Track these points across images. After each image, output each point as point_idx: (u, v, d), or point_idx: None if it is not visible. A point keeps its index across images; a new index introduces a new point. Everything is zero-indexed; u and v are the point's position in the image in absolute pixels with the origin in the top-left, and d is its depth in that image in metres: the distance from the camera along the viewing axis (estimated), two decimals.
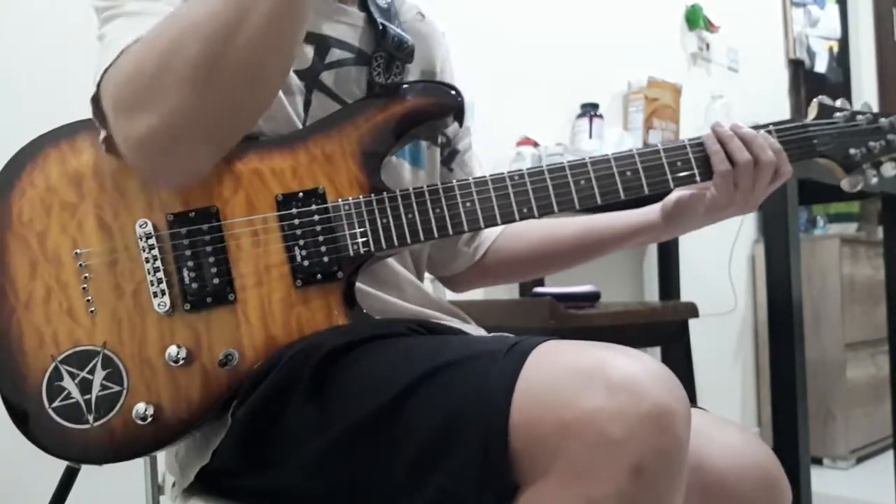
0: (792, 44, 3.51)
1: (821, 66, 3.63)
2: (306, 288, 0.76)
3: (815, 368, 2.80)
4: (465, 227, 0.80)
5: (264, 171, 0.77)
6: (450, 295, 1.26)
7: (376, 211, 0.78)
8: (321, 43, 0.85)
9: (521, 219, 0.80)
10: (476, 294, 1.91)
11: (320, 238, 0.76)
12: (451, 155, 1.01)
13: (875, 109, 0.91)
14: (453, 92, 0.83)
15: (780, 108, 3.39)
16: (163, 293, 0.74)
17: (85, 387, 0.72)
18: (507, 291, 2.20)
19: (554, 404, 0.57)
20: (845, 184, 0.91)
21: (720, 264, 2.88)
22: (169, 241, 0.75)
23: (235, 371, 0.73)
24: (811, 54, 3.60)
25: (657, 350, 2.11)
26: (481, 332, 0.92)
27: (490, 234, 1.04)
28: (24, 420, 0.73)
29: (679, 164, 0.85)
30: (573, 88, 2.44)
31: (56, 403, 0.72)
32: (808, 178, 1.62)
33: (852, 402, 2.84)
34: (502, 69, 2.25)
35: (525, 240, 1.03)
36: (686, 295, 2.56)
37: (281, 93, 0.81)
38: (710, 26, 2.98)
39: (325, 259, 0.76)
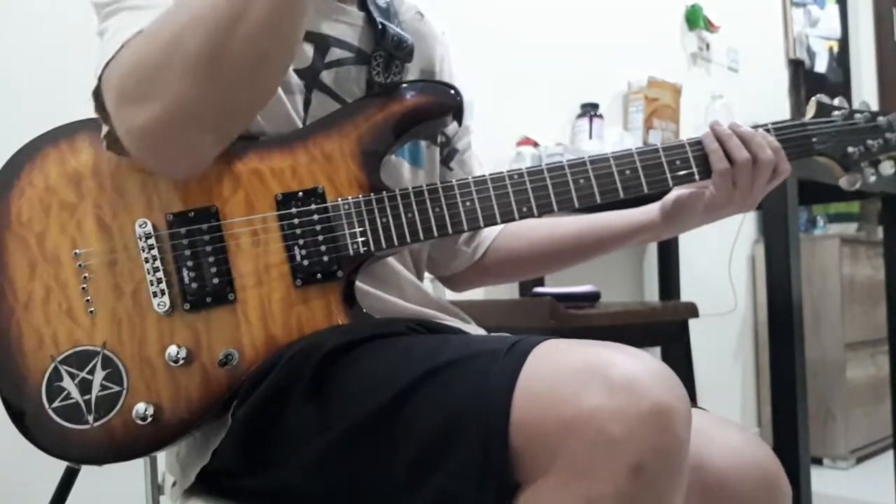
0: (792, 44, 3.51)
1: (821, 66, 3.63)
2: (306, 287, 0.76)
3: (815, 368, 2.80)
4: (465, 227, 0.80)
5: (264, 171, 0.77)
6: (450, 295, 1.26)
7: (376, 210, 0.78)
8: (321, 42, 0.85)
9: (521, 218, 0.80)
10: (476, 294, 1.91)
11: (320, 237, 0.76)
12: (450, 154, 1.01)
13: (873, 108, 0.92)
14: (452, 91, 0.83)
15: (780, 108, 3.39)
16: (162, 293, 0.73)
17: (85, 387, 0.72)
18: (507, 291, 2.20)
19: (554, 403, 0.57)
20: (843, 182, 0.91)
21: (720, 264, 2.88)
22: (168, 240, 0.75)
23: (235, 371, 0.73)
24: (811, 54, 3.60)
25: (657, 350, 2.11)
26: (481, 332, 0.92)
27: (489, 234, 1.04)
28: (23, 420, 0.72)
29: (678, 162, 0.85)
30: (573, 88, 2.44)
31: (56, 404, 0.72)
32: (808, 178, 1.62)
33: (852, 402, 2.84)
34: (502, 69, 2.25)
35: (524, 239, 1.03)
36: (686, 295, 2.56)
37: (281, 91, 0.81)
38: (710, 26, 2.98)
39: (325, 258, 0.76)
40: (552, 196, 0.81)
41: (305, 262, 0.76)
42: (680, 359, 1.90)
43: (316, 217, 0.77)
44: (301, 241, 0.76)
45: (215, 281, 0.74)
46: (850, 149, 0.90)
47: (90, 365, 0.73)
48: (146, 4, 0.72)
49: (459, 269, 1.05)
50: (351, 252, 0.77)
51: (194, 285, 0.74)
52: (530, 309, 1.65)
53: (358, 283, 0.79)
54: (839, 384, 2.82)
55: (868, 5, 4.05)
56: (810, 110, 0.91)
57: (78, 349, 0.73)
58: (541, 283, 2.08)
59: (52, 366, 0.73)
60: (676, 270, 2.58)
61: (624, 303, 2.20)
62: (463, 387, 0.61)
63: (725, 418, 0.81)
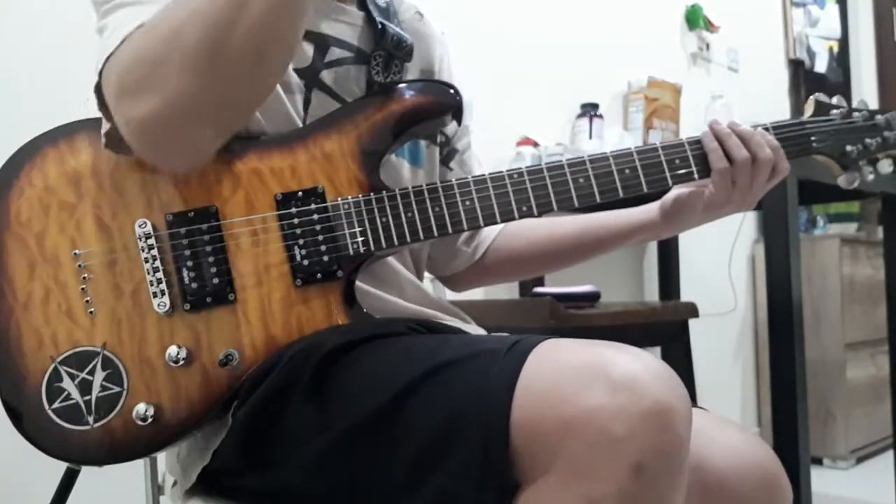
0: (792, 44, 3.51)
1: (821, 66, 3.63)
2: (306, 287, 0.76)
3: (815, 368, 2.80)
4: (465, 226, 0.80)
5: (263, 171, 0.77)
6: (450, 295, 1.26)
7: (375, 210, 0.78)
8: (320, 42, 0.85)
9: (521, 217, 0.80)
10: (476, 294, 1.91)
11: (320, 237, 0.76)
12: (450, 154, 1.01)
13: (871, 107, 0.92)
14: (452, 91, 0.83)
15: (780, 108, 3.39)
16: (162, 293, 0.73)
17: (85, 388, 0.72)
18: (507, 291, 2.20)
19: (555, 402, 0.57)
20: (842, 181, 0.91)
21: (720, 264, 2.88)
22: (168, 241, 0.74)
23: (235, 371, 0.73)
24: (811, 54, 3.60)
25: (657, 350, 2.11)
26: (481, 332, 0.92)
27: (489, 233, 1.04)
28: (23, 421, 0.72)
29: (677, 161, 0.85)
30: (573, 88, 2.44)
31: (56, 405, 0.72)
32: (808, 177, 1.62)
33: (852, 402, 2.84)
34: (502, 69, 2.25)
35: (524, 238, 1.03)
36: (686, 295, 2.56)
37: (281, 91, 0.81)
38: (710, 26, 2.98)
39: (325, 258, 0.76)
40: (552, 195, 0.81)
41: (305, 262, 0.76)
42: (680, 359, 1.90)
43: (316, 217, 0.77)
44: (301, 241, 0.76)
45: (215, 281, 0.74)
46: (849, 147, 0.90)
47: (90, 365, 0.73)
48: (146, 0, 0.72)
49: (459, 268, 1.05)
50: (351, 252, 0.77)
51: (194, 285, 0.74)
52: (530, 309, 1.65)
53: (358, 283, 0.79)
54: (839, 384, 2.82)
55: (868, 5, 4.05)
56: (808, 109, 0.91)
57: (78, 350, 0.73)
58: (541, 283, 2.08)
59: (52, 366, 0.72)
60: (676, 270, 2.58)
61: (624, 303, 2.20)
62: (463, 386, 0.61)
63: (725, 418, 0.81)
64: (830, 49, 3.73)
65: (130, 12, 0.71)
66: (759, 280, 3.08)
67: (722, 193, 0.87)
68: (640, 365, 0.57)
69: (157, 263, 0.74)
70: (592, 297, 1.80)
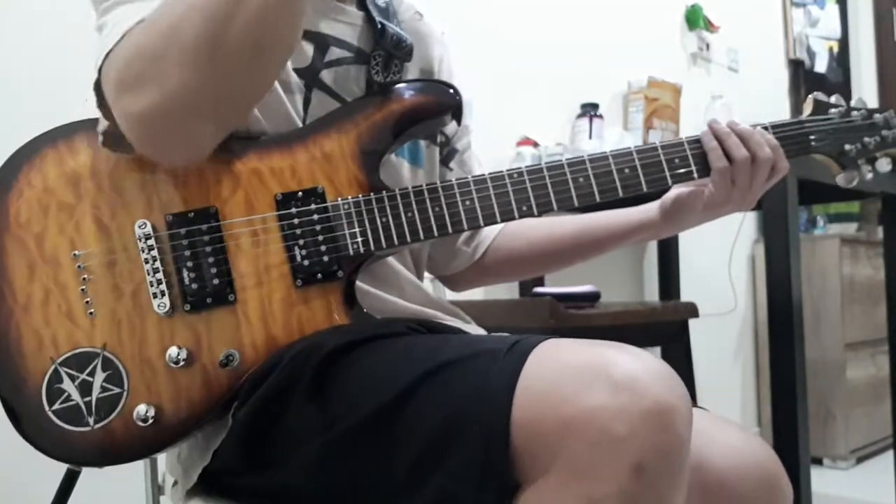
0: (792, 44, 3.51)
1: (821, 66, 3.63)
2: (306, 287, 0.76)
3: (815, 368, 2.80)
4: (465, 226, 0.80)
5: (263, 171, 0.77)
6: (450, 295, 1.26)
7: (375, 210, 0.78)
8: (320, 41, 0.85)
9: (521, 217, 0.80)
10: (476, 294, 1.91)
11: (320, 237, 0.76)
12: (449, 154, 1.01)
13: (870, 106, 0.92)
14: (451, 90, 0.83)
15: (780, 109, 3.39)
16: (162, 294, 0.73)
17: (85, 389, 0.72)
18: (507, 291, 2.20)
19: (555, 402, 0.57)
20: (840, 179, 0.92)
21: (720, 264, 2.88)
22: (168, 241, 0.74)
23: (236, 371, 0.73)
24: (811, 54, 3.60)
25: (657, 350, 2.11)
26: (481, 332, 0.92)
27: (489, 233, 1.04)
28: (23, 423, 0.72)
29: (677, 161, 0.85)
30: (573, 88, 2.44)
31: (56, 406, 0.72)
32: (808, 177, 1.62)
33: (852, 402, 2.84)
34: (502, 69, 2.25)
35: (524, 238, 1.03)
36: (686, 295, 2.55)
37: (281, 91, 0.81)
38: (710, 26, 2.98)
39: (325, 258, 0.76)
40: (552, 195, 0.81)
41: (306, 262, 0.76)
42: (680, 359, 1.90)
43: (316, 217, 0.77)
44: (301, 241, 0.76)
45: (215, 281, 0.74)
46: (847, 146, 0.90)
47: (90, 367, 0.72)
48: None
49: (459, 268, 1.05)
50: (351, 252, 0.77)
51: (194, 286, 0.74)
52: (530, 309, 1.65)
53: (358, 283, 0.79)
54: (839, 384, 2.82)
55: (868, 5, 4.05)
56: (807, 108, 0.91)
57: (78, 351, 0.73)
58: (541, 283, 2.08)
59: (52, 368, 0.72)
60: (676, 270, 2.58)
61: (624, 303, 2.20)
62: (463, 386, 0.61)
63: (726, 418, 0.81)
64: (830, 49, 3.73)
65: (130, 9, 0.71)
66: (759, 280, 3.08)
67: (721, 192, 0.87)
68: (640, 365, 0.57)
69: (157, 264, 0.74)
70: (592, 297, 1.80)
